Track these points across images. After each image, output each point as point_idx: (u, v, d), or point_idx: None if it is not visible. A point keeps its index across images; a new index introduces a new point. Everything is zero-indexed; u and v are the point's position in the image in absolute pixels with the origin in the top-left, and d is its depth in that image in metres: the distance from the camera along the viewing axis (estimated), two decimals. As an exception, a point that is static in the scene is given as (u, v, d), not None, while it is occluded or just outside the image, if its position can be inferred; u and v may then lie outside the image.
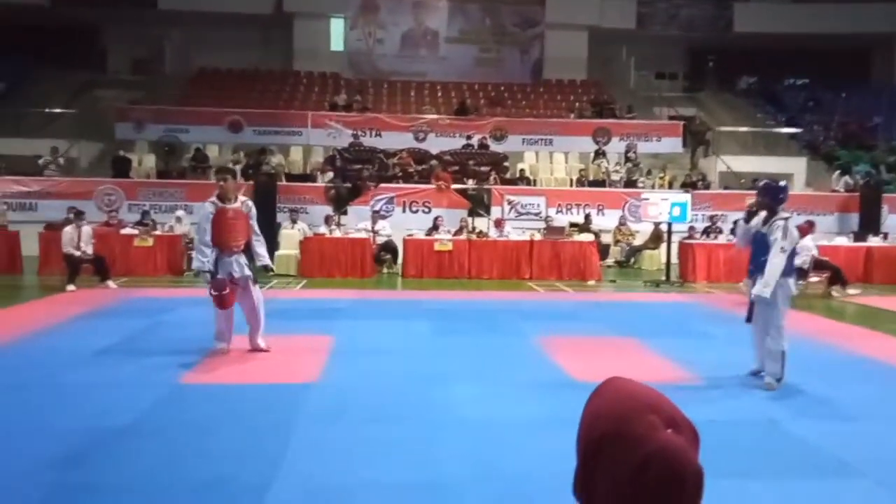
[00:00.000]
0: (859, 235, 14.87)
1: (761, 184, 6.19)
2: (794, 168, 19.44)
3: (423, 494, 3.47)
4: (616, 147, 19.10)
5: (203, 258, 6.34)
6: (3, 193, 14.92)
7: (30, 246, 12.88)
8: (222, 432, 4.40)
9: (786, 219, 5.69)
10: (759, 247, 5.81)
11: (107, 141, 18.70)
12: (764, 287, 5.61)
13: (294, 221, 14.37)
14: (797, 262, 10.64)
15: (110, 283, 11.11)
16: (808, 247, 10.79)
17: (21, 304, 9.68)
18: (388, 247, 14.02)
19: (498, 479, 3.68)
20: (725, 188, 17.99)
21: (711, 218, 15.61)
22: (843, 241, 14.62)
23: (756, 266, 5.80)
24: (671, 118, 20.94)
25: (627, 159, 18.52)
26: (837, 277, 11.60)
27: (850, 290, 11.48)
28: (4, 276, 11.98)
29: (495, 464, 3.90)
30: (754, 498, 3.43)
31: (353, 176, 16.48)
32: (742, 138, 20.66)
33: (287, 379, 5.73)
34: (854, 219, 16.48)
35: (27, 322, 8.04)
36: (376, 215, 14.68)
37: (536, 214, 15.86)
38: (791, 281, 5.83)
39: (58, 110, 19.17)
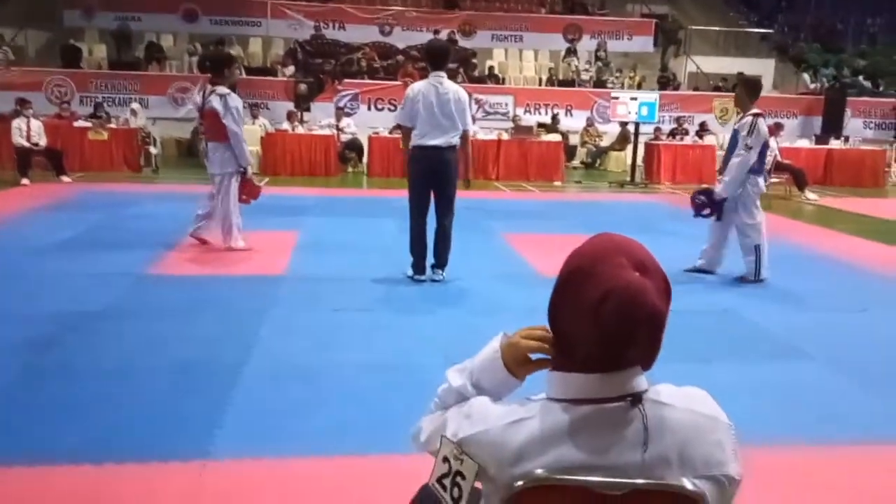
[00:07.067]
0: (821, 138, 15.07)
1: (739, 74, 6.15)
2: (762, 70, 19.29)
3: (390, 375, 3.57)
4: (587, 45, 18.72)
5: (248, 153, 6.42)
6: (-55, 83, 14.11)
7: (-23, 139, 12.33)
8: (194, 318, 4.43)
9: (755, 115, 5.70)
10: (732, 145, 5.84)
11: (55, 29, 17.64)
12: (724, 188, 5.70)
13: (255, 117, 13.95)
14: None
15: (65, 178, 10.81)
16: (772, 148, 10.92)
17: (-27, 197, 9.37)
18: (353, 145, 13.77)
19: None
20: (694, 89, 17.91)
21: (678, 119, 15.64)
22: (805, 143, 14.82)
23: (725, 164, 5.85)
24: (644, 16, 20.48)
25: (597, 58, 18.21)
26: (798, 179, 11.82)
27: (809, 195, 11.74)
28: (-47, 169, 11.51)
29: (467, 350, 4.01)
30: (711, 379, 3.59)
31: (316, 70, 15.93)
32: (713, 38, 20.38)
33: (256, 271, 5.73)
34: (817, 122, 16.66)
35: (-18, 215, 7.81)
36: (340, 112, 14.31)
37: (504, 114, 15.66)
38: (760, 180, 5.90)
39: (-1, -6, 17.89)
